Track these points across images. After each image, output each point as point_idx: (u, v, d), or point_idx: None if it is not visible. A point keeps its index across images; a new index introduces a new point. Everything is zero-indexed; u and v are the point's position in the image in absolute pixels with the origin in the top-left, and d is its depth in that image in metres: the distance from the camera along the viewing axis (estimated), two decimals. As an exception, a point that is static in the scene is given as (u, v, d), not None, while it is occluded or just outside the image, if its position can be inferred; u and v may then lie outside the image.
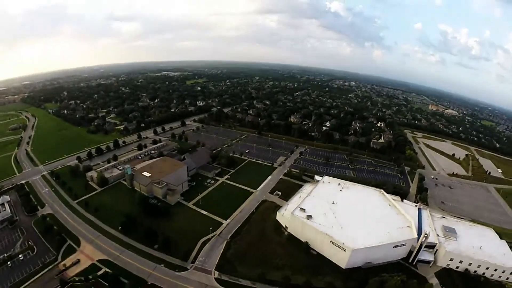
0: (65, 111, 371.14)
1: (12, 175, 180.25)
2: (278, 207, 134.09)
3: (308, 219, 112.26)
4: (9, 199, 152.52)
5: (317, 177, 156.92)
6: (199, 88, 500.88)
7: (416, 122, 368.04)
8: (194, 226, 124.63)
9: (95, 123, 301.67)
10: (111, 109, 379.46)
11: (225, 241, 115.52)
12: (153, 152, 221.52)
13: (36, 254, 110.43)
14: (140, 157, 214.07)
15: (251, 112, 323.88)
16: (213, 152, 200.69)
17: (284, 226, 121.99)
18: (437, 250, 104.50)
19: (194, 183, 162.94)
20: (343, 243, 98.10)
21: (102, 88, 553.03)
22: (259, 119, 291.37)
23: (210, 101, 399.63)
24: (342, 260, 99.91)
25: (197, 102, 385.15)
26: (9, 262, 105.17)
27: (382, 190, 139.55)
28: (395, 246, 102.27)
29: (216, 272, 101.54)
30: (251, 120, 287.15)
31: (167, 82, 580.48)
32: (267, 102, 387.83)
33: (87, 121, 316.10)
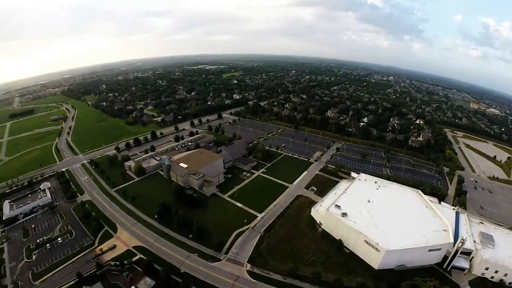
0: (104, 103, 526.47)
1: (53, 163, 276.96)
2: (313, 202, 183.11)
3: (343, 216, 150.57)
4: (50, 186, 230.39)
5: (353, 174, 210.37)
6: (235, 81, 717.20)
7: (457, 120, 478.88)
8: (229, 218, 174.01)
9: (133, 115, 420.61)
10: (148, 101, 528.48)
11: (259, 235, 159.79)
12: (190, 143, 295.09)
13: (74, 238, 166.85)
14: (177, 149, 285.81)
15: (287, 106, 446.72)
16: (249, 145, 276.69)
17: (318, 222, 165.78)
18: (472, 257, 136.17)
19: (230, 176, 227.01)
20: (377, 243, 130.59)
21: (140, 81, 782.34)
22: (296, 113, 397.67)
23: (247, 94, 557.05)
24: (375, 260, 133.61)
25: (234, 95, 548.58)
26: (48, 245, 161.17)
27: (419, 190, 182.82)
28: (430, 250, 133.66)
29: (248, 265, 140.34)
30: (287, 114, 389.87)
31: (203, 75, 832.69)
32: (304, 96, 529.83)
33: (125, 112, 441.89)
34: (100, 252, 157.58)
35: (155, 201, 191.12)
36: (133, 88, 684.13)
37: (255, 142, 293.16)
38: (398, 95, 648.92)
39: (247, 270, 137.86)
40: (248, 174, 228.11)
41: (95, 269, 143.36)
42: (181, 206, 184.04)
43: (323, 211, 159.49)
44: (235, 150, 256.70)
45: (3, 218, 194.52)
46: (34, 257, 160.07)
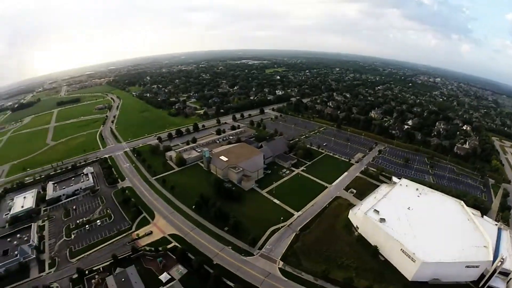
0: (148, 94, 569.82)
1: (96, 149, 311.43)
2: (351, 205, 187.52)
3: (381, 222, 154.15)
4: (92, 171, 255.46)
5: (394, 179, 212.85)
6: (278, 77, 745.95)
7: (506, 129, 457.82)
8: (265, 214, 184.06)
9: (176, 107, 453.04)
10: (191, 94, 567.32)
11: (294, 233, 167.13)
12: (231, 137, 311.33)
13: (113, 222, 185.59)
14: (218, 142, 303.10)
15: (330, 104, 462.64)
16: (290, 142, 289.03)
17: (355, 226, 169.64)
18: (510, 278, 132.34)
19: (270, 172, 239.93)
20: (414, 254, 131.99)
21: (183, 74, 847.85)
22: (339, 112, 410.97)
23: (289, 90, 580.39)
24: (409, 271, 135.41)
25: (276, 91, 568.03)
26: (87, 226, 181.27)
27: (462, 201, 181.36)
28: (467, 266, 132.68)
29: (281, 262, 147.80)
30: (330, 113, 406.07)
31: (246, 70, 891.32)
32: (347, 95, 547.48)
33: (169, 104, 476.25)
34: (137, 237, 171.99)
35: (193, 191, 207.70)
36: (177, 80, 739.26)
37: (296, 139, 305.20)
38: (444, 98, 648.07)
39: (279, 268, 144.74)
40: (288, 171, 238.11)
41: (130, 253, 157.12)
42: (219, 198, 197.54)
43: (361, 215, 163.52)
44: (276, 147, 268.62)
45: (47, 198, 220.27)
46: (73, 236, 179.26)
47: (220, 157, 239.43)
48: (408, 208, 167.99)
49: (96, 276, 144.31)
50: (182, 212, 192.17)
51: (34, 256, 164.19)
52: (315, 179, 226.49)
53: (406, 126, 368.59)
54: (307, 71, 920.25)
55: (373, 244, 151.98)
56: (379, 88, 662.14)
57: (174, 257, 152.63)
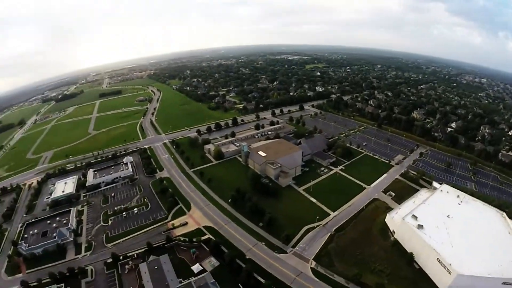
0: (188, 88, 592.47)
1: (136, 140, 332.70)
2: (389, 208, 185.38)
3: (418, 228, 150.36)
4: (132, 160, 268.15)
5: (435, 184, 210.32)
6: (318, 73, 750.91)
7: None
8: (301, 212, 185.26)
9: (216, 100, 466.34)
10: (231, 88, 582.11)
11: (329, 233, 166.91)
12: (269, 133, 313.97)
13: (149, 211, 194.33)
14: (256, 137, 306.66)
15: (371, 102, 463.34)
16: (330, 140, 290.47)
17: (391, 230, 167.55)
18: None
19: (307, 169, 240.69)
20: (450, 264, 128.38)
21: (223, 68, 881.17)
22: (380, 111, 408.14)
23: (330, 87, 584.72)
24: (443, 283, 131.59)
25: (316, 88, 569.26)
26: (124, 213, 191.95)
27: (504, 213, 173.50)
28: (504, 283, 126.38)
29: (314, 262, 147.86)
30: (371, 111, 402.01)
31: (286, 66, 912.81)
32: (389, 94, 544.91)
33: (208, 98, 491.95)
34: (172, 227, 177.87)
35: (230, 185, 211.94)
36: (217, 74, 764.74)
37: (336, 137, 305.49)
38: (490, 101, 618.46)
39: (311, 268, 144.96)
40: (326, 170, 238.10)
41: (165, 242, 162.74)
42: (255, 193, 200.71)
43: (399, 220, 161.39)
44: (315, 144, 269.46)
45: (87, 185, 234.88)
46: (110, 222, 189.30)
47: (259, 152, 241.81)
48: (448, 216, 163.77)
49: (130, 262, 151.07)
50: (218, 205, 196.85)
51: (71, 239, 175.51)
52: (353, 179, 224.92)
53: (449, 129, 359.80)
54: (347, 67, 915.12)
55: (408, 251, 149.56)
56: (422, 87, 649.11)
57: (207, 249, 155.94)
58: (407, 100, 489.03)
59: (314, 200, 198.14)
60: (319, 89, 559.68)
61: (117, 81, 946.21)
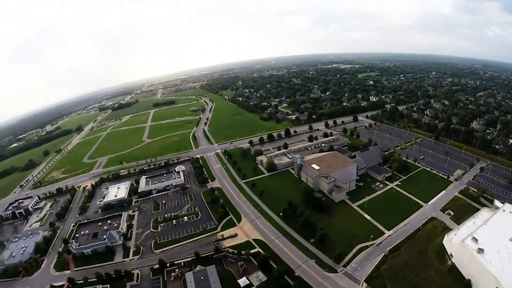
0: (240, 98, 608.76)
1: (189, 149, 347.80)
2: (447, 229, 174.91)
3: (478, 252, 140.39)
4: (184, 169, 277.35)
5: (497, 203, 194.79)
6: (371, 82, 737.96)
7: None
8: (354, 229, 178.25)
9: (268, 111, 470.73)
10: (283, 99, 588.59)
11: (383, 254, 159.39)
12: (323, 145, 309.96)
13: (199, 220, 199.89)
14: (310, 149, 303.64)
15: (428, 112, 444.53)
16: (385, 153, 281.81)
17: (449, 253, 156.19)
18: None
19: (362, 184, 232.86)
20: None
21: (274, 78, 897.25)
22: (437, 121, 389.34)
23: (384, 97, 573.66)
24: None
25: (370, 97, 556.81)
26: (174, 221, 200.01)
27: None
28: None
29: (365, 284, 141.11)
30: (427, 122, 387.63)
31: (338, 75, 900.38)
32: (446, 102, 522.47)
33: (260, 108, 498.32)
34: (221, 238, 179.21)
35: (282, 198, 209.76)
36: (268, 85, 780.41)
37: (391, 150, 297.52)
38: None
39: None
40: (381, 185, 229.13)
41: (213, 252, 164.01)
42: (307, 208, 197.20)
43: (457, 242, 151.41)
44: (370, 157, 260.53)
45: (139, 191, 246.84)
46: (159, 228, 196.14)
47: (312, 165, 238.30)
48: (510, 240, 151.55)
49: (176, 270, 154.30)
50: (269, 218, 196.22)
51: (120, 242, 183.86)
52: (410, 195, 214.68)
53: (511, 141, 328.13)
54: (401, 75, 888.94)
55: (466, 277, 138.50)
56: (481, 95, 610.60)
57: (256, 263, 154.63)
58: (465, 109, 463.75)
59: (368, 217, 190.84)
60: (372, 99, 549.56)
61: (171, 92, 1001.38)
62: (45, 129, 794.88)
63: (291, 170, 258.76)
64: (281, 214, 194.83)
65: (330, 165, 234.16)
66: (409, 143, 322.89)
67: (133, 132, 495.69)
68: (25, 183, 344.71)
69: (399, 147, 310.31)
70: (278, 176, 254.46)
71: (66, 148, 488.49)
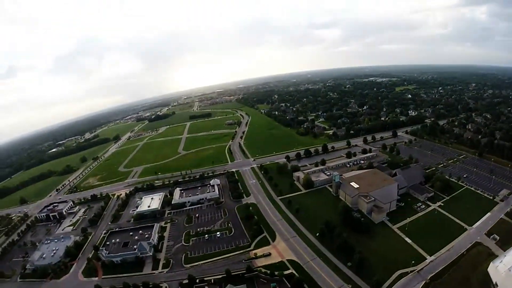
0: (276, 112, 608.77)
1: (225, 162, 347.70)
2: (492, 255, 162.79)
3: None
4: (219, 183, 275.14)
5: None
6: (409, 96, 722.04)
7: None
8: (394, 254, 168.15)
9: (304, 126, 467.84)
10: (319, 113, 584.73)
11: (424, 281, 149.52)
12: (362, 162, 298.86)
13: (232, 236, 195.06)
14: (348, 165, 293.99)
15: (469, 127, 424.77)
16: (427, 171, 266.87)
17: (494, 283, 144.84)
18: None
19: (403, 204, 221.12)
20: None
21: (310, 92, 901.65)
22: (479, 136, 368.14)
23: (423, 111, 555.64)
24: None
25: (409, 111, 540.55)
26: (206, 235, 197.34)
27: None
28: None
29: None
30: (470, 137, 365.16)
31: (375, 88, 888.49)
32: (488, 116, 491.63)
33: (297, 123, 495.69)
34: (254, 256, 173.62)
35: (318, 217, 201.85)
36: (304, 99, 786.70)
37: (433, 168, 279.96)
38: None
39: None
40: (423, 206, 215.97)
41: (245, 271, 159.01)
42: (345, 228, 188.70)
43: (503, 270, 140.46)
44: (411, 176, 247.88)
45: (172, 202, 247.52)
46: (191, 242, 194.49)
47: (351, 183, 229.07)
48: None
49: (206, 287, 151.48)
50: (304, 237, 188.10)
51: (150, 254, 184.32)
52: (453, 218, 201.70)
53: None
54: (440, 88, 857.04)
55: None
56: None
57: (289, 285, 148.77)
58: (508, 123, 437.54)
59: (409, 240, 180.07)
60: (411, 113, 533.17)
61: (207, 104, 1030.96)
62: (84, 137, 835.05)
63: (329, 188, 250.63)
64: (317, 234, 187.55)
65: (370, 183, 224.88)
66: (452, 160, 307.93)
67: (169, 143, 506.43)
68: (61, 187, 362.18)
69: (441, 165, 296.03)
70: (315, 193, 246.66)
71: (103, 156, 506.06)
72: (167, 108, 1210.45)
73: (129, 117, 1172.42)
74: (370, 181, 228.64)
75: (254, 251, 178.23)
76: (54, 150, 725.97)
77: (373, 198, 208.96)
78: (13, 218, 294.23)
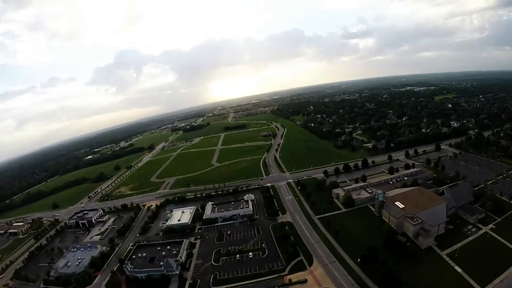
0: (312, 124, 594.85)
1: (259, 176, 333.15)
2: None
3: None
4: (253, 198, 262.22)
5: None
6: (449, 105, 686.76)
7: None
8: (443, 284, 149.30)
9: (342, 138, 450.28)
10: (357, 125, 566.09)
11: None
12: (406, 178, 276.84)
13: (265, 258, 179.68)
14: (391, 182, 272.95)
15: None
16: (475, 189, 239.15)
17: None
18: None
19: (451, 227, 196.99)
20: None
21: (347, 103, 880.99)
22: None
23: (465, 121, 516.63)
24: None
25: (450, 122, 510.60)
26: (238, 255, 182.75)
27: None
28: None
29: None
30: None
31: (413, 98, 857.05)
32: None
33: (334, 135, 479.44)
34: (288, 283, 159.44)
35: (360, 240, 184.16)
36: (341, 110, 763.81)
37: (482, 185, 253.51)
38: None
39: None
40: (474, 229, 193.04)
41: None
42: (389, 254, 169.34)
43: None
44: (460, 194, 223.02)
45: (204, 217, 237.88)
46: (221, 262, 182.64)
47: (396, 203, 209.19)
48: None
49: None
50: (344, 263, 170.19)
51: (177, 272, 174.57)
52: (506, 243, 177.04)
53: None
54: (480, 96, 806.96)
55: None
56: None
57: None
58: None
59: (459, 269, 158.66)
60: (453, 124, 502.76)
61: (242, 116, 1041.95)
62: (119, 145, 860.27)
63: (371, 207, 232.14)
64: (358, 260, 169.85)
65: (416, 203, 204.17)
66: (501, 176, 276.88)
67: (202, 154, 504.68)
68: (93, 194, 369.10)
69: (490, 181, 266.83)
70: (356, 212, 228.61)
71: (137, 165, 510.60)
72: (201, 119, 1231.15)
73: (164, 127, 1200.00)
74: (416, 200, 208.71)
75: (288, 277, 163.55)
76: (89, 157, 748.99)
77: (420, 220, 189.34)
78: (44, 222, 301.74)
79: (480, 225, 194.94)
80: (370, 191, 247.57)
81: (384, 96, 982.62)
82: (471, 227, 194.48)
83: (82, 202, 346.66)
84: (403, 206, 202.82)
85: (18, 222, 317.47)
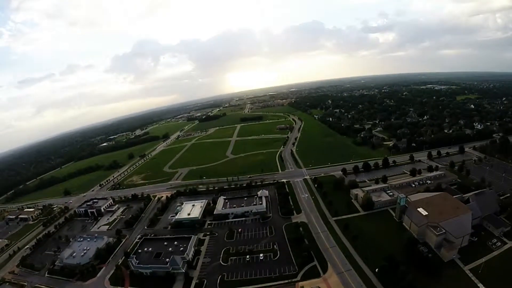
0: (330, 119, 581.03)
1: (275, 171, 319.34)
2: None
3: None
4: (267, 195, 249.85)
5: None
6: (472, 106, 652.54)
7: None
8: None
9: (361, 135, 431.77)
10: (377, 121, 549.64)
11: None
12: (429, 182, 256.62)
13: (277, 261, 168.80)
14: (413, 185, 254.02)
15: None
16: (501, 198, 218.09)
17: None
18: None
19: (475, 239, 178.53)
20: None
21: (366, 99, 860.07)
22: None
23: (489, 124, 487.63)
24: None
25: (474, 124, 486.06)
26: (248, 256, 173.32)
27: None
28: None
29: None
30: None
31: (434, 97, 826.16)
32: None
33: (353, 131, 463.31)
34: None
35: (379, 248, 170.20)
36: (360, 105, 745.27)
37: (507, 194, 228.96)
38: None
39: None
40: (499, 243, 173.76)
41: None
42: (409, 265, 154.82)
43: None
44: (486, 204, 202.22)
45: (214, 213, 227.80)
46: (229, 262, 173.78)
47: (419, 209, 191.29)
48: None
49: None
50: (361, 272, 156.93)
51: (183, 271, 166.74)
52: None
53: None
54: (504, 98, 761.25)
55: None
56: None
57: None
58: None
59: (482, 287, 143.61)
60: (477, 126, 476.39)
61: (258, 107, 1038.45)
62: (134, 133, 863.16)
63: (391, 211, 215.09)
64: (376, 270, 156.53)
65: (440, 211, 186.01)
66: None
67: (217, 145, 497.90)
68: (105, 182, 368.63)
69: None
70: (375, 216, 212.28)
71: (150, 154, 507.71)
72: (218, 109, 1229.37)
73: (180, 116, 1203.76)
74: (441, 207, 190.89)
75: (300, 284, 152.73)
76: (104, 144, 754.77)
77: (444, 231, 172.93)
78: (54, 209, 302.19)
79: (505, 239, 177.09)
80: (391, 193, 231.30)
81: (404, 93, 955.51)
82: (496, 240, 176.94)
83: (93, 190, 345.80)
84: (427, 213, 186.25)
85: (30, 207, 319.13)
